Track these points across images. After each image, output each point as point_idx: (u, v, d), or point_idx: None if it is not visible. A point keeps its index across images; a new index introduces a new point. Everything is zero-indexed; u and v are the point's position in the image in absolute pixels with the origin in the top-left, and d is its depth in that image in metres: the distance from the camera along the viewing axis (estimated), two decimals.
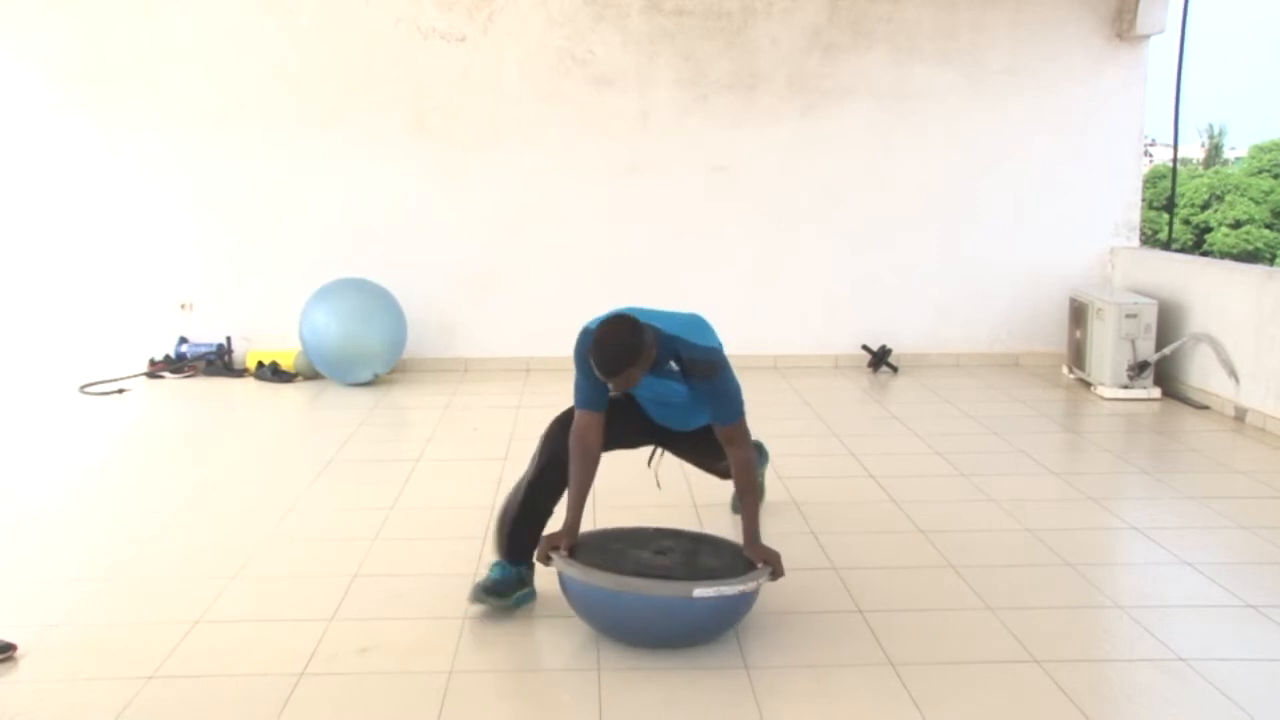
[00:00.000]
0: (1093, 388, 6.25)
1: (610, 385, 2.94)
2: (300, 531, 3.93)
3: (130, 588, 3.41)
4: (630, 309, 3.07)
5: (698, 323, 3.13)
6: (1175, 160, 9.13)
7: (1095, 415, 5.81)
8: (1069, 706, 2.60)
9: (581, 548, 3.03)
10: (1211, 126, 31.88)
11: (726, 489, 3.88)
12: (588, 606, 2.95)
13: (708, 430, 3.16)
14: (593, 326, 3.00)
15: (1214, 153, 31.55)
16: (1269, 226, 24.22)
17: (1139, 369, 6.04)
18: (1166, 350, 6.03)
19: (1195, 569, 3.49)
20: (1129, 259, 6.93)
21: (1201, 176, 26.52)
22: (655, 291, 6.25)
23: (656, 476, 3.67)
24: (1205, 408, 5.81)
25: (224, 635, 3.05)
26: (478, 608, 3.13)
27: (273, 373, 6.71)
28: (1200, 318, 5.96)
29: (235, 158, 6.85)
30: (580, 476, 3.08)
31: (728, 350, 3.12)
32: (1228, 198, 24.70)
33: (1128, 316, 6.03)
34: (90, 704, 2.66)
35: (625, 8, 6.82)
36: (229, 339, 6.96)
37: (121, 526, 4.01)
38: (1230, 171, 27.37)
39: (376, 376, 6.58)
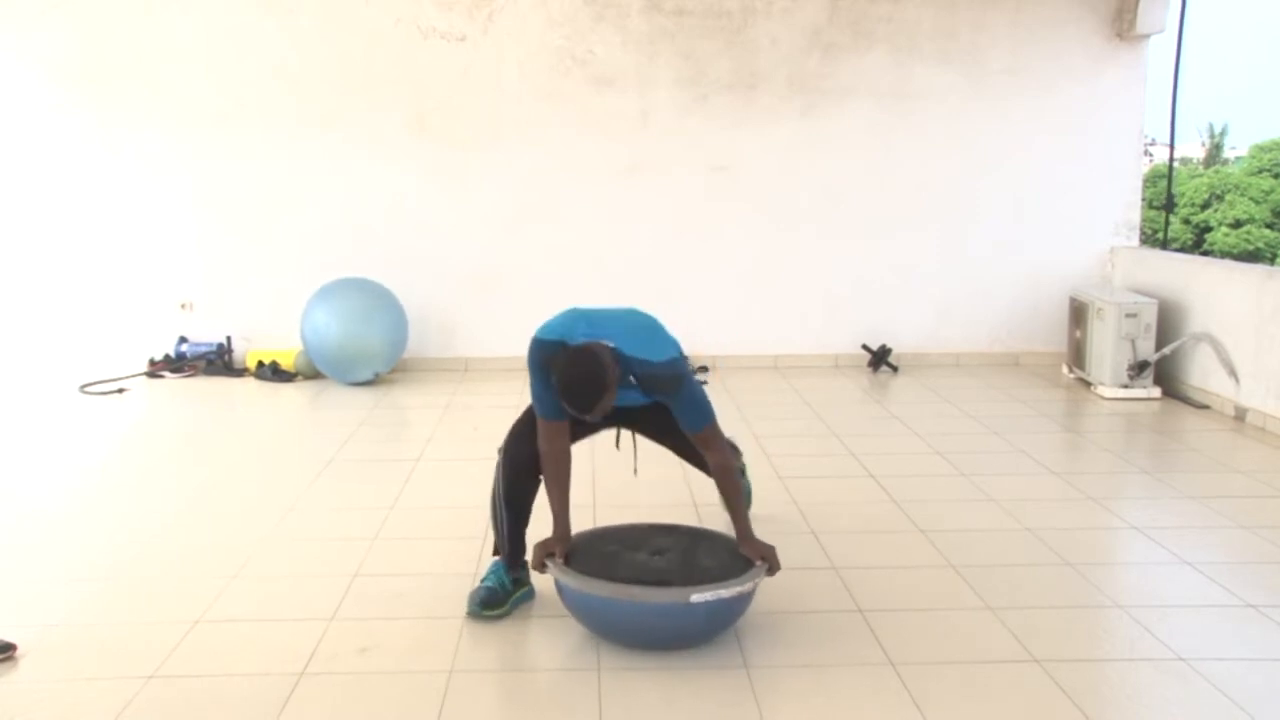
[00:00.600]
0: (1093, 387, 6.25)
1: (587, 418, 2.89)
2: (300, 531, 3.93)
3: (130, 588, 3.41)
4: (576, 311, 3.03)
5: (648, 327, 3.04)
6: (1171, 159, 9.12)
7: (1095, 415, 5.81)
8: (1069, 706, 2.60)
9: (576, 551, 3.02)
10: (1212, 126, 31.93)
11: None
12: (584, 613, 2.95)
13: (663, 406, 3.09)
14: (544, 336, 2.97)
15: (1214, 152, 31.56)
16: (1269, 226, 24.25)
17: (1139, 369, 6.04)
18: (1166, 350, 6.03)
19: (1195, 568, 3.49)
20: (1129, 259, 6.93)
21: (1202, 176, 26.54)
22: (655, 291, 6.32)
23: (635, 464, 3.59)
24: (1205, 407, 5.81)
25: (224, 635, 3.05)
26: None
27: (273, 372, 6.72)
28: (1200, 317, 5.96)
29: (235, 158, 6.85)
30: (560, 483, 3.06)
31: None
32: (1228, 197, 24.74)
33: (1128, 316, 6.03)
34: (90, 704, 2.66)
35: (625, 8, 6.82)
36: (229, 339, 6.96)
37: (121, 526, 4.01)
38: (1230, 171, 27.40)
39: (377, 376, 6.59)
